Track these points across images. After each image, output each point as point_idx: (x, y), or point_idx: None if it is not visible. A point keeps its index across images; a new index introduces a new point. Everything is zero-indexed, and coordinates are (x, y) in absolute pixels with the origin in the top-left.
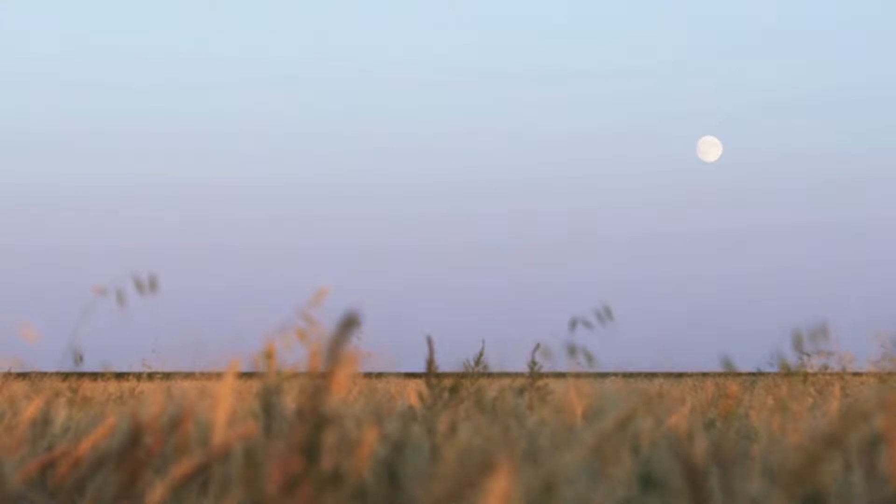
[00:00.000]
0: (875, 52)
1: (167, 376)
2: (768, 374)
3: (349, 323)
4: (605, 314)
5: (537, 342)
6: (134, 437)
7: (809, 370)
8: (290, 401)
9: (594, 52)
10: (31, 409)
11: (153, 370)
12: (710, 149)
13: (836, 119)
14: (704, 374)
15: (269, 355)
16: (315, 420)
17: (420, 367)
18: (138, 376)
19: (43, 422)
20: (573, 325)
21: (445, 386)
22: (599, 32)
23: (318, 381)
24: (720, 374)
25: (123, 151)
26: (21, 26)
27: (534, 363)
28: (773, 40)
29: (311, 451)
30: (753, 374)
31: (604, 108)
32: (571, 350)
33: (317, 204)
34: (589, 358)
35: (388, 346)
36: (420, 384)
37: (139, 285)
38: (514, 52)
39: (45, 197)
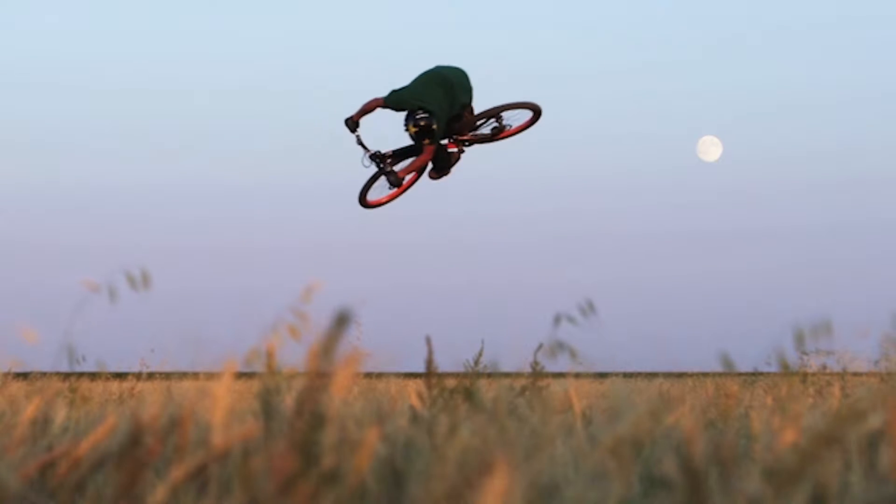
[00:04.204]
0: (875, 51)
1: (167, 376)
2: (768, 373)
3: (342, 321)
4: (588, 309)
5: (540, 342)
6: (134, 437)
7: (809, 370)
8: (290, 401)
9: (593, 52)
10: (31, 409)
11: (151, 370)
12: (710, 149)
13: (836, 119)
14: (704, 374)
15: (269, 355)
16: (312, 419)
17: (420, 367)
18: (138, 376)
19: (43, 422)
20: (557, 320)
21: (445, 386)
22: (599, 32)
23: (316, 380)
24: (720, 374)
25: (123, 151)
26: (21, 26)
27: (536, 363)
28: (773, 40)
29: (308, 450)
30: (753, 373)
31: (604, 108)
32: (559, 346)
33: (317, 204)
34: (573, 354)
35: (387, 346)
36: (420, 384)
37: (132, 281)
38: (513, 52)
39: (45, 197)
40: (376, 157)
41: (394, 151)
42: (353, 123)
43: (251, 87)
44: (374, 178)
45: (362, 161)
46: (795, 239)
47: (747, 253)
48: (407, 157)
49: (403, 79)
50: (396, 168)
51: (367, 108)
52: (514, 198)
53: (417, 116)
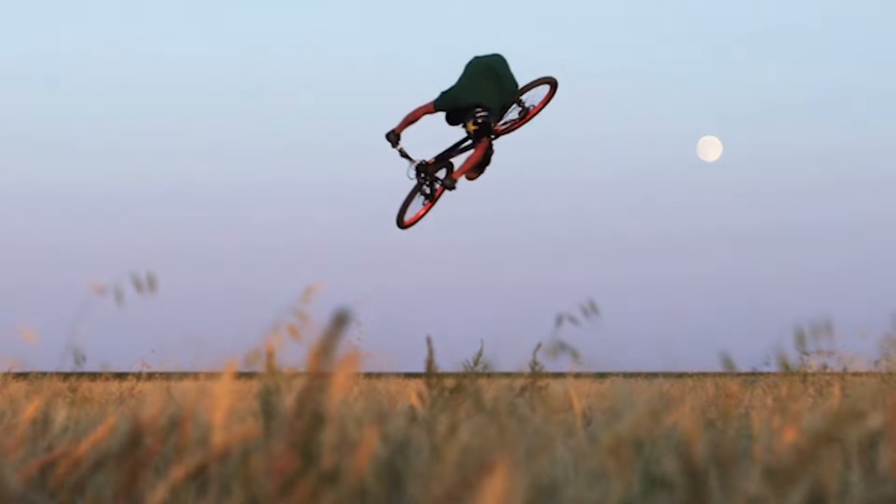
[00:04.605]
0: (875, 51)
1: (167, 376)
2: (768, 374)
3: (340, 321)
4: (591, 309)
5: (539, 342)
6: (134, 437)
7: (809, 370)
8: (290, 401)
9: (594, 51)
10: (31, 409)
11: (152, 370)
12: (710, 149)
13: (836, 119)
14: (704, 374)
15: (268, 355)
16: (312, 419)
17: (420, 367)
18: (138, 376)
19: (43, 422)
20: (559, 321)
21: (445, 386)
22: (599, 32)
23: (316, 380)
24: (720, 374)
25: (123, 151)
26: (21, 26)
27: (535, 363)
28: (773, 40)
29: (308, 450)
30: (753, 373)
31: (604, 108)
32: (560, 347)
33: (317, 204)
34: (576, 355)
35: (388, 346)
36: (420, 384)
37: (138, 284)
38: (513, 52)
39: (45, 197)
40: (422, 168)
41: (435, 158)
42: (395, 137)
43: (251, 87)
44: (411, 197)
45: (408, 173)
46: (795, 239)
47: (747, 253)
48: (446, 160)
49: (400, 80)
50: (439, 174)
51: (412, 119)
52: (514, 197)
53: (477, 114)
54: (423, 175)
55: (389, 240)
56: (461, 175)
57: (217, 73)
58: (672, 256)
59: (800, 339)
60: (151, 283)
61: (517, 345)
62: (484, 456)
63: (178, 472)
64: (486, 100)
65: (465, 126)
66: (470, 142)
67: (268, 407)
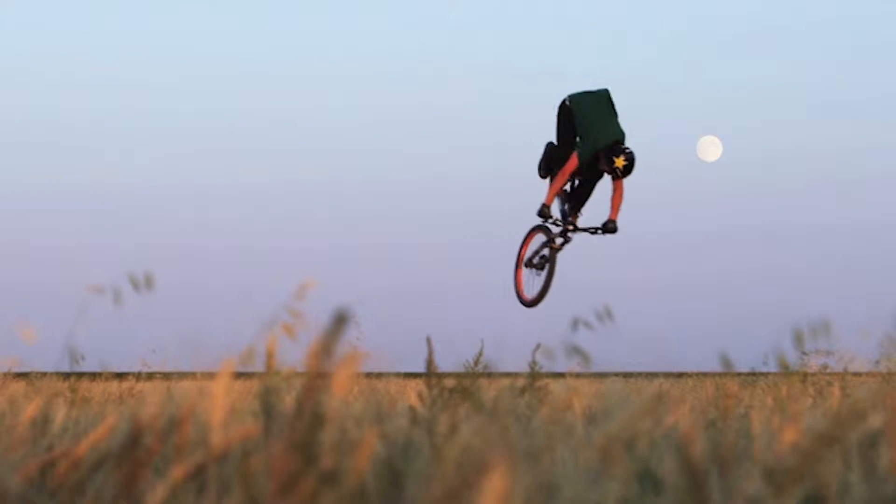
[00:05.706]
0: (875, 51)
1: (167, 376)
2: (768, 374)
3: (341, 320)
4: (606, 315)
5: (538, 343)
6: (134, 437)
7: (809, 370)
8: (290, 401)
9: (593, 51)
10: (30, 409)
11: (152, 370)
12: (710, 149)
13: (835, 119)
14: (704, 374)
15: (268, 354)
16: (312, 419)
17: (420, 367)
18: (137, 376)
19: (43, 422)
20: (574, 325)
21: (445, 386)
22: (598, 31)
23: (316, 380)
24: (720, 374)
25: (123, 151)
26: (22, 25)
27: (534, 363)
28: (773, 40)
29: (308, 450)
30: (753, 373)
31: None
32: (573, 350)
33: (317, 204)
34: (586, 359)
35: (388, 346)
36: (420, 384)
37: (135, 283)
38: (513, 51)
39: (45, 197)
40: (573, 227)
41: (573, 213)
42: (547, 209)
43: (251, 87)
44: (551, 277)
45: (552, 237)
46: (795, 239)
47: (747, 253)
48: (578, 206)
49: (401, 79)
50: (575, 221)
51: (561, 184)
52: (514, 197)
53: (625, 150)
54: (570, 234)
55: (389, 240)
56: (617, 214)
57: (217, 74)
58: (672, 256)
59: (799, 339)
60: (148, 282)
61: (518, 345)
62: (484, 456)
63: (177, 472)
64: (621, 134)
65: (611, 164)
66: (585, 182)
67: (268, 407)
